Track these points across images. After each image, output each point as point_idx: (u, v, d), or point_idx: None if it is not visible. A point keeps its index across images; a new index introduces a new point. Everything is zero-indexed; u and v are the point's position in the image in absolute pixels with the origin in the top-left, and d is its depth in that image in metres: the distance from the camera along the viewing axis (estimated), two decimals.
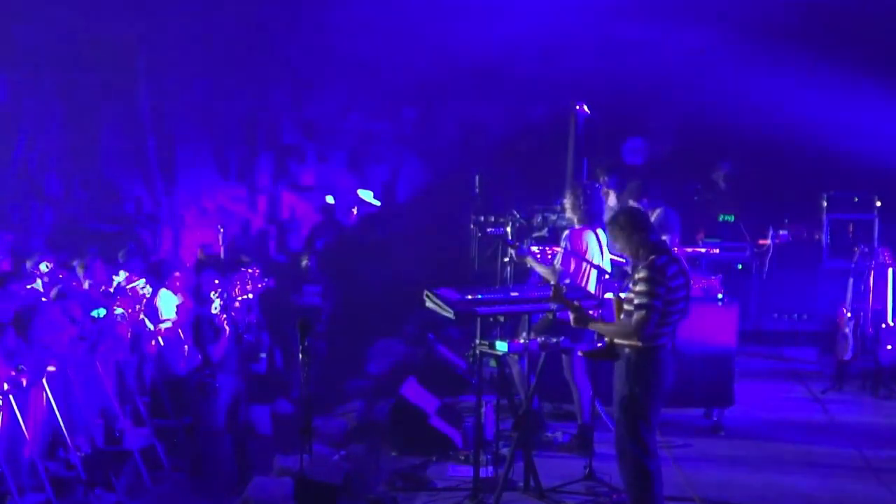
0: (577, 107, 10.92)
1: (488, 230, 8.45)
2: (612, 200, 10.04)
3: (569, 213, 8.18)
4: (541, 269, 8.04)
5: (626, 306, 5.85)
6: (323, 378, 10.71)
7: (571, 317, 6.01)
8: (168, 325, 10.19)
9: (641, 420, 5.80)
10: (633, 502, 5.86)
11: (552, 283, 7.69)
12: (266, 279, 11.80)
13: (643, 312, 5.69)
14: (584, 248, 7.86)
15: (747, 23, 14.15)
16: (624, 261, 9.26)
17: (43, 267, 11.06)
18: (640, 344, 5.75)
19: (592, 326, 6.04)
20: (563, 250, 7.85)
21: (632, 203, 10.04)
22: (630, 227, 5.92)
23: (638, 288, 5.74)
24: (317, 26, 14.98)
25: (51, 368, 8.01)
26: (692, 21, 14.26)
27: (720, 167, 13.79)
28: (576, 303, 6.03)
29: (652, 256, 5.80)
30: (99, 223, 14.74)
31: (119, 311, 9.35)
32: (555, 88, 14.84)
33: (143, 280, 10.18)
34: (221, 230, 12.29)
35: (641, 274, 5.76)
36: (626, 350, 5.82)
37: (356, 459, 7.94)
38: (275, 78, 15.22)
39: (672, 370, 5.93)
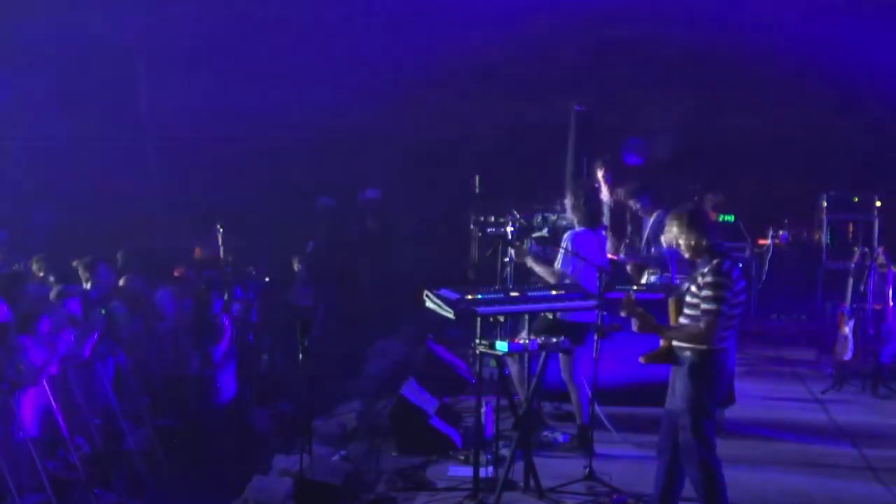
0: (577, 107, 10.93)
1: (488, 230, 8.44)
2: (604, 195, 10.04)
3: (569, 214, 8.16)
4: (541, 270, 8.03)
5: (686, 310, 5.83)
6: (323, 378, 10.71)
7: (635, 323, 5.89)
8: (168, 325, 10.21)
9: (706, 419, 5.81)
10: (705, 501, 5.85)
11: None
12: (265, 278, 11.81)
13: (712, 318, 5.68)
14: (586, 248, 7.85)
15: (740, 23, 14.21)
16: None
17: (35, 267, 11.06)
18: (705, 347, 5.74)
19: (660, 332, 5.91)
20: (563, 251, 7.84)
21: (631, 203, 10.08)
22: (696, 227, 5.87)
23: (705, 293, 5.71)
24: (314, 24, 14.99)
25: (51, 368, 8.01)
26: (692, 19, 14.29)
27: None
28: (640, 309, 5.91)
29: (716, 260, 5.77)
30: (99, 223, 14.72)
31: (119, 310, 9.36)
32: (554, 88, 14.89)
33: (143, 280, 10.19)
34: (220, 230, 12.24)
35: (708, 279, 5.72)
36: (687, 353, 5.79)
37: (356, 459, 7.94)
38: (273, 76, 15.22)
39: (729, 369, 5.92)
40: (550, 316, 7.62)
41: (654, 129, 15.31)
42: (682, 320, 5.87)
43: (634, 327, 5.91)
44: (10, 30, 13.50)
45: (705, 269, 5.79)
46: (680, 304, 5.91)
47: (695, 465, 5.84)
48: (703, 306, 5.73)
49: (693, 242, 5.88)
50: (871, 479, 7.48)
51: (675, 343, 5.86)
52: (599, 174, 10.40)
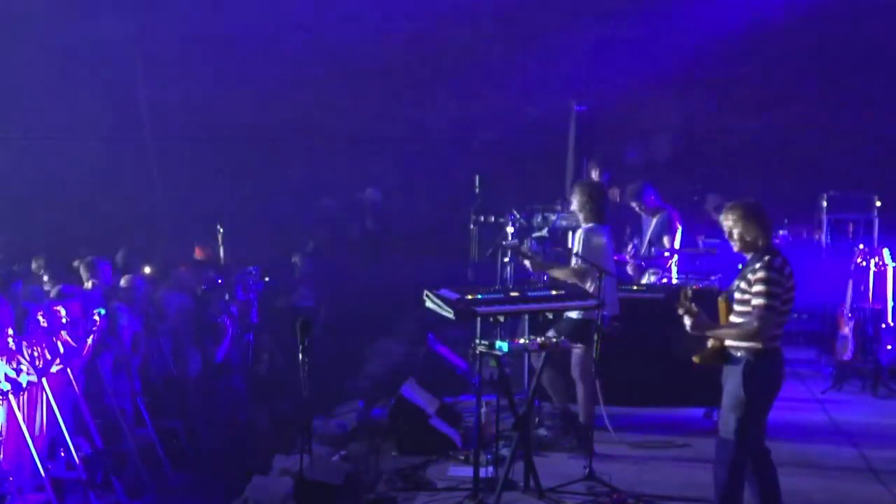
0: (577, 107, 10.94)
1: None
2: None
3: (575, 209, 8.09)
4: (560, 273, 7.93)
5: (737, 307, 5.77)
6: (323, 378, 10.70)
7: (688, 322, 5.80)
8: (168, 325, 10.20)
9: (752, 423, 5.78)
10: (721, 500, 5.80)
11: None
12: (265, 279, 11.80)
13: (765, 313, 5.63)
14: (600, 246, 7.80)
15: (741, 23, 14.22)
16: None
17: (35, 266, 11.06)
18: (759, 346, 5.70)
19: (711, 332, 5.84)
20: (580, 251, 7.75)
21: (633, 204, 10.07)
22: (757, 222, 5.82)
23: (756, 289, 5.66)
24: (313, 22, 15.00)
25: (52, 368, 8.01)
26: (688, 20, 14.30)
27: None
28: (695, 307, 5.80)
29: (767, 257, 5.74)
30: (99, 223, 14.73)
31: (119, 311, 9.35)
32: (554, 87, 14.90)
33: (143, 280, 10.18)
34: (220, 230, 12.24)
35: (760, 275, 5.67)
36: (741, 353, 5.75)
37: (356, 459, 7.94)
38: (276, 76, 15.22)
39: (783, 369, 5.86)
40: (551, 315, 7.59)
41: (655, 129, 15.32)
42: (733, 318, 5.79)
43: (687, 326, 5.82)
44: (10, 30, 13.50)
45: (757, 265, 5.72)
46: (729, 303, 5.84)
47: (725, 465, 5.77)
48: (755, 302, 5.65)
49: (750, 238, 5.81)
50: (871, 480, 7.47)
51: (727, 343, 5.79)
52: (594, 175, 10.38)
